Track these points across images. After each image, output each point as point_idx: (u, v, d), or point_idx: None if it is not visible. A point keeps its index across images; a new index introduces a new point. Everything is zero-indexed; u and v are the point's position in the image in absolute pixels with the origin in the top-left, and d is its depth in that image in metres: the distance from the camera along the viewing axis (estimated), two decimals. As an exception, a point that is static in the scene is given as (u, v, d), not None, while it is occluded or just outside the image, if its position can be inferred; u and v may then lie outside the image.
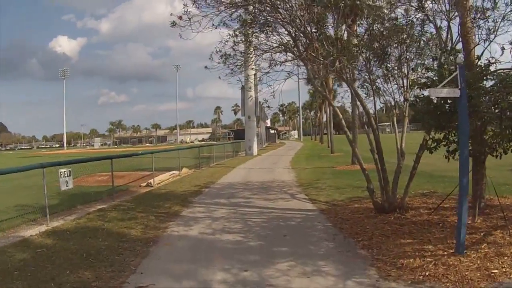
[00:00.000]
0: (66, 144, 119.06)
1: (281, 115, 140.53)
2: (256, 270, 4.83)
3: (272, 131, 75.55)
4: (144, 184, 14.37)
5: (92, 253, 5.74)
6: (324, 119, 53.84)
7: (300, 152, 34.04)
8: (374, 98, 8.08)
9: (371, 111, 8.22)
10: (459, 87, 4.97)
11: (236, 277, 4.68)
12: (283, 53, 8.42)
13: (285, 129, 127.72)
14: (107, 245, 6.16)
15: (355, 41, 7.84)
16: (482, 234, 5.47)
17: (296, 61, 8.89)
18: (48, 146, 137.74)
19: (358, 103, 8.34)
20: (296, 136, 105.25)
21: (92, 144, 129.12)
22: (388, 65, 7.77)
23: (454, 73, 5.09)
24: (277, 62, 8.38)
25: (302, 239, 6.15)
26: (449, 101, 5.83)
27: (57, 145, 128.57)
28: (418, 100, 6.41)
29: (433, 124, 5.83)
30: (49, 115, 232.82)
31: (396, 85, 7.86)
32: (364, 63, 7.97)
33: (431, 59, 7.31)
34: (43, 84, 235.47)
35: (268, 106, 8.92)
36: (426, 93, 6.37)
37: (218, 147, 28.30)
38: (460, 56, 6.65)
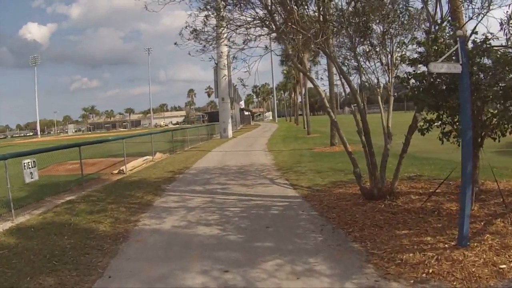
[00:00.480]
0: (40, 132, 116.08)
1: (255, 97, 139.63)
2: (240, 271, 4.27)
3: (246, 113, 74.83)
4: (116, 172, 13.62)
5: (56, 253, 5.12)
6: (299, 100, 53.54)
7: (276, 134, 33.53)
8: (360, 76, 7.54)
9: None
10: (460, 62, 4.46)
11: (217, 280, 4.10)
12: (258, 28, 7.77)
13: (259, 110, 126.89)
14: (73, 243, 5.53)
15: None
16: (482, 223, 5.06)
17: (272, 36, 8.30)
18: (22, 134, 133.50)
19: (342, 81, 7.81)
20: (271, 118, 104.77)
21: (66, 131, 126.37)
22: (372, 41, 7.25)
23: (455, 47, 4.58)
24: (252, 38, 7.69)
25: (287, 231, 5.61)
26: (444, 78, 5.33)
27: (31, 134, 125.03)
28: (409, 76, 5.86)
29: (430, 103, 5.30)
30: (21, 103, 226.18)
31: (379, 63, 7.40)
32: (347, 39, 7.43)
33: (421, 33, 6.82)
34: (15, 72, 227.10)
35: (244, 85, 8.24)
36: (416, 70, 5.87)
37: (192, 130, 27.44)
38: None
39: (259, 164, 13.23)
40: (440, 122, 5.78)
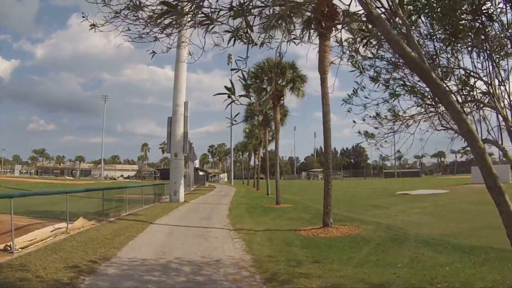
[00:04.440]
0: None
1: (210, 157, 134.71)
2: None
3: (201, 173, 68.97)
4: (1, 247, 8.26)
5: None
6: (259, 162, 48.81)
7: (236, 200, 27.92)
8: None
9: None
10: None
11: None
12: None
13: (214, 171, 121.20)
14: None
15: None
16: None
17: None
18: None
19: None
20: (226, 179, 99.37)
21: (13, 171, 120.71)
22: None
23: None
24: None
25: None
26: None
27: None
28: None
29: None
30: None
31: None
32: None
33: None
34: None
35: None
36: None
37: (135, 189, 21.46)
38: None
39: (227, 262, 7.84)
40: None
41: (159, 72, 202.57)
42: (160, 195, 26.38)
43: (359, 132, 6.00)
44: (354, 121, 6.02)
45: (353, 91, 5.53)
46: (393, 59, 5.53)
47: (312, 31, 14.37)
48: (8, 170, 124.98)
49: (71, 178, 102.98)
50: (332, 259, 8.04)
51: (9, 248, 8.04)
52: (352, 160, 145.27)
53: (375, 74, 5.65)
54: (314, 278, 6.56)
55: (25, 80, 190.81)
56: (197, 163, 67.42)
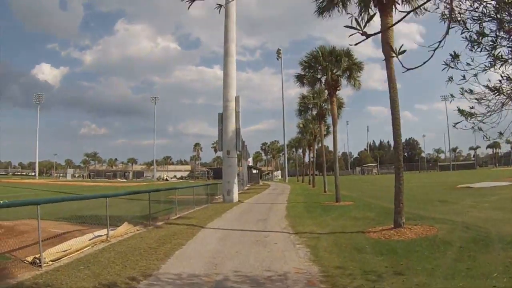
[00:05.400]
0: (42, 173, 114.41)
1: (263, 154, 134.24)
2: None
3: (254, 171, 68.20)
4: (29, 259, 7.56)
5: None
6: (314, 158, 47.16)
7: (292, 199, 26.59)
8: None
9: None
10: None
11: None
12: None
13: (267, 169, 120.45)
14: None
15: None
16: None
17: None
18: (24, 173, 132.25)
19: None
20: (280, 177, 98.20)
21: (65, 175, 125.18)
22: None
23: None
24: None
25: None
26: None
27: (33, 173, 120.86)
28: None
29: None
30: (27, 143, 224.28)
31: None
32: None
33: None
34: (24, 110, 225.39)
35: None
36: None
37: (187, 189, 20.85)
38: None
39: (292, 277, 6.59)
40: None
41: (208, 72, 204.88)
42: (213, 196, 25.73)
43: (458, 110, 4.64)
44: (451, 95, 4.66)
45: (452, 55, 4.10)
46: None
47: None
48: (61, 175, 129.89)
49: (124, 180, 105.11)
50: (416, 270, 6.61)
51: (37, 261, 7.35)
52: (406, 154, 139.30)
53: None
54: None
55: (75, 86, 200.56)
56: (250, 161, 66.86)
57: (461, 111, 4.73)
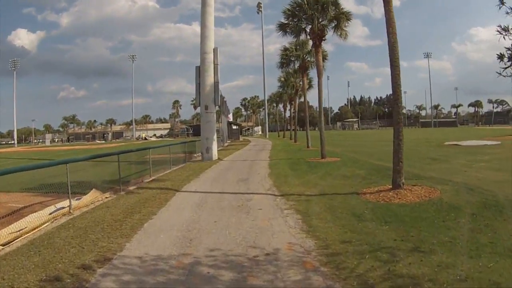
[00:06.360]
0: (21, 141, 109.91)
1: (243, 110, 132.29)
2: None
3: (234, 127, 66.63)
4: None
5: None
6: (296, 113, 45.77)
7: (275, 155, 25.33)
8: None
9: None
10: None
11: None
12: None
13: (248, 124, 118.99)
14: None
15: None
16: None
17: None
18: (4, 142, 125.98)
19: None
20: (261, 133, 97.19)
21: (44, 141, 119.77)
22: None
23: None
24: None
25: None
26: None
27: (12, 142, 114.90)
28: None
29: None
30: (6, 110, 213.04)
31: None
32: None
33: None
34: (0, 78, 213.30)
35: None
36: None
37: (162, 148, 19.28)
38: None
39: (283, 257, 5.29)
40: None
41: (187, 29, 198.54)
42: (192, 154, 24.28)
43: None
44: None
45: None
46: None
47: None
48: (40, 141, 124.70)
49: (102, 141, 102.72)
50: (432, 244, 5.42)
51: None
52: (386, 110, 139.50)
53: None
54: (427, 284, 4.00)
55: (52, 50, 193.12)
56: (230, 117, 65.14)
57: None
